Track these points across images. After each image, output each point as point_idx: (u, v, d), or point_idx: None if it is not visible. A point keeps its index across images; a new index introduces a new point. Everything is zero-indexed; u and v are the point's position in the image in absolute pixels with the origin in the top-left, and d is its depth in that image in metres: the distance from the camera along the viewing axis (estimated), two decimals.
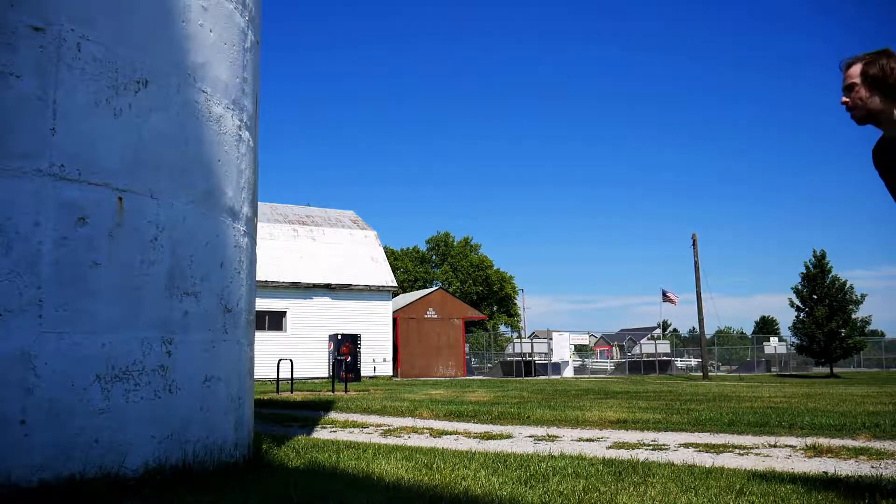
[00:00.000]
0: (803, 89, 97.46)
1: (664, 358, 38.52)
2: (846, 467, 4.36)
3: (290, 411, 9.69)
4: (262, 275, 25.02)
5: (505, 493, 3.23)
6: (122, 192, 3.48)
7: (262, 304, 24.62)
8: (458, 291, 53.87)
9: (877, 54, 2.92)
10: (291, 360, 16.93)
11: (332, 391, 15.55)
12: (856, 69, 2.94)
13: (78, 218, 3.28)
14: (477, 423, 7.85)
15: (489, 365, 39.79)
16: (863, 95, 2.92)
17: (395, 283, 29.79)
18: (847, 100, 2.96)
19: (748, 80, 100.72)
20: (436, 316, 32.69)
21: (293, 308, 27.15)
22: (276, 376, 16.66)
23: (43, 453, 3.06)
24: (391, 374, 29.06)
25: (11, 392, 3.02)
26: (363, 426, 7.64)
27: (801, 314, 34.93)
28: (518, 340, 38.00)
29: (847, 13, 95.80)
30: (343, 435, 6.72)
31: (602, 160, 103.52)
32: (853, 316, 34.00)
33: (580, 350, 46.32)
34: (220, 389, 4.01)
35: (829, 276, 34.60)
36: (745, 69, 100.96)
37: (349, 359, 24.35)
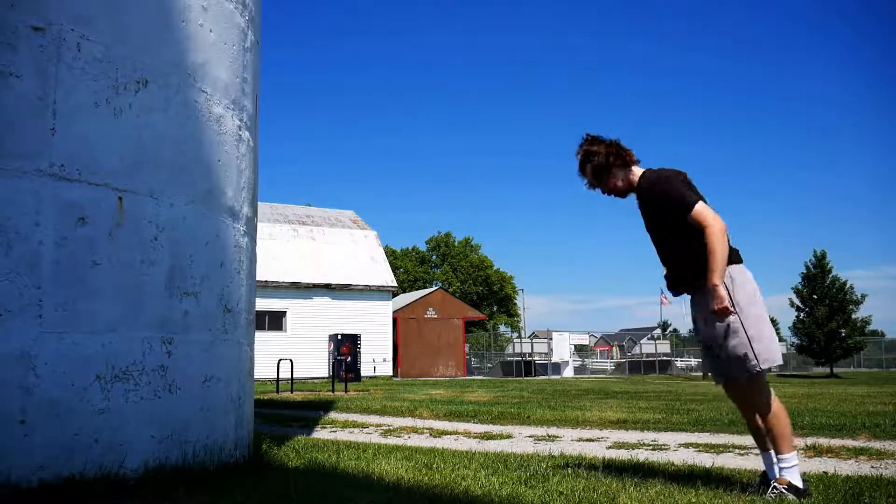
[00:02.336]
0: (804, 88, 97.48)
1: (664, 358, 38.51)
2: (846, 467, 4.36)
3: (290, 411, 9.69)
4: (262, 275, 25.02)
5: (505, 493, 3.23)
6: (122, 192, 3.48)
7: (262, 304, 24.62)
8: (458, 291, 53.86)
9: (593, 150, 3.55)
10: (291, 360, 16.92)
11: (332, 391, 15.55)
12: (591, 169, 3.56)
13: (78, 218, 3.28)
14: (477, 423, 7.85)
15: (489, 365, 39.78)
16: (617, 183, 3.55)
17: (395, 283, 29.78)
18: (607, 191, 3.60)
19: (749, 78, 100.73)
20: (436, 316, 32.69)
21: (293, 308, 27.13)
22: (276, 376, 16.66)
23: (43, 453, 3.06)
24: (391, 374, 29.05)
25: (11, 392, 3.02)
26: (363, 426, 7.64)
27: (802, 314, 34.92)
28: (518, 340, 37.99)
29: (850, 10, 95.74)
30: (343, 435, 6.72)
31: None
32: (853, 316, 33.98)
33: (580, 350, 46.31)
34: (220, 389, 4.01)
35: (830, 276, 34.59)
36: (746, 67, 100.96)
37: (349, 359, 24.33)
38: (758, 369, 3.18)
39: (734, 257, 3.31)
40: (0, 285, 3.02)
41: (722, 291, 3.16)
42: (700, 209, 3.24)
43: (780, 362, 3.31)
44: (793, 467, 3.16)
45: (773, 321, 72.43)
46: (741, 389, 3.32)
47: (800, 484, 3.14)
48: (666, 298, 37.73)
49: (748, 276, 3.32)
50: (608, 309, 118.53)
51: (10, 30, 3.17)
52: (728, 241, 3.27)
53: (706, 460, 4.65)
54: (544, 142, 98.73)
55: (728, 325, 3.21)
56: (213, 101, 4.08)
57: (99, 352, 3.30)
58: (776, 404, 3.25)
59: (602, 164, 3.52)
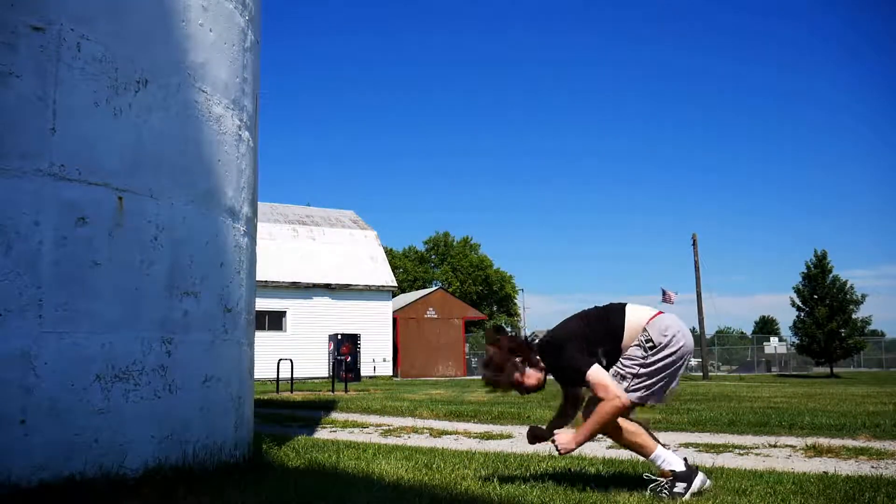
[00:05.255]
0: (804, 87, 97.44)
1: None
2: (846, 467, 4.36)
3: (290, 411, 9.69)
4: (262, 275, 25.02)
5: (505, 493, 3.23)
6: (122, 192, 3.48)
7: (262, 304, 24.61)
8: (457, 291, 53.85)
9: (493, 363, 3.45)
10: (291, 360, 16.92)
11: (332, 391, 15.55)
12: (503, 378, 3.43)
13: (78, 218, 3.28)
14: (477, 423, 7.85)
15: None
16: (525, 381, 3.45)
17: (395, 283, 29.78)
18: (523, 392, 3.52)
19: (749, 78, 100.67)
20: (436, 316, 32.69)
21: (293, 308, 27.14)
22: (276, 376, 16.66)
23: (43, 453, 3.07)
24: (391, 374, 29.06)
25: (11, 392, 3.02)
26: (363, 426, 7.64)
27: (802, 314, 34.94)
28: None
29: (849, 8, 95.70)
30: (343, 435, 6.72)
31: (601, 159, 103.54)
32: (853, 316, 34.01)
33: None
34: (220, 389, 4.01)
35: (830, 275, 34.61)
36: (746, 67, 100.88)
37: (349, 359, 24.34)
38: None
39: None
40: (0, 285, 3.02)
41: None
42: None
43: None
44: None
45: (773, 321, 72.13)
46: None
47: None
48: (673, 295, 37.55)
49: None
50: None
51: (9, 30, 3.17)
52: None
53: (706, 460, 4.65)
54: (543, 142, 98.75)
55: None
56: (212, 100, 4.08)
57: (99, 352, 3.30)
58: None
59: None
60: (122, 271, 3.45)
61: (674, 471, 3.19)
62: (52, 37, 3.27)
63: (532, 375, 3.44)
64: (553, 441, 3.36)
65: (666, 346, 3.26)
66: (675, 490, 3.13)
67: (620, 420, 3.26)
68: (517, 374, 3.41)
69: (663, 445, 3.30)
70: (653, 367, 3.25)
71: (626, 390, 3.23)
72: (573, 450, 3.31)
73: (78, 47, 3.35)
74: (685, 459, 3.28)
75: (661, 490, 3.16)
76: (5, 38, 3.16)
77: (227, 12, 4.28)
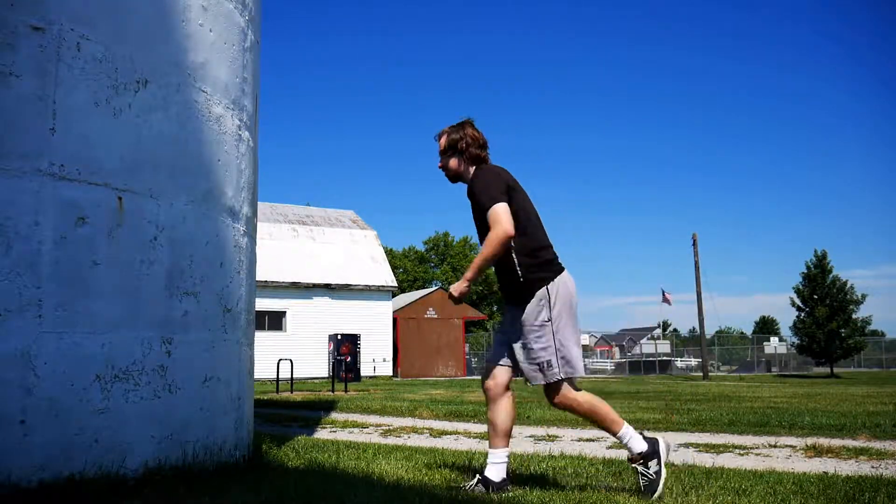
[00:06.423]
0: (805, 87, 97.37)
1: (664, 358, 38.53)
2: (846, 467, 4.36)
3: (290, 411, 9.69)
4: (262, 275, 25.01)
5: (505, 493, 3.23)
6: (122, 192, 3.48)
7: (262, 304, 24.61)
8: None
9: (455, 127, 3.63)
10: (291, 360, 16.93)
11: (332, 391, 15.55)
12: (443, 140, 3.65)
13: (78, 218, 3.28)
14: (477, 423, 7.85)
15: None
16: (449, 162, 3.63)
17: (395, 283, 29.78)
18: (440, 165, 3.68)
19: (749, 77, 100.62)
20: (436, 316, 32.68)
21: (293, 308, 27.14)
22: (276, 376, 16.66)
23: (43, 453, 3.06)
24: (391, 374, 29.06)
25: (11, 392, 3.02)
26: (363, 426, 7.64)
27: (802, 314, 34.94)
28: None
29: (849, 8, 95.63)
30: (343, 435, 6.72)
31: (601, 158, 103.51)
32: (854, 316, 34.00)
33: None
34: (219, 389, 4.01)
35: (830, 276, 34.60)
36: (746, 66, 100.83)
37: (349, 359, 24.33)
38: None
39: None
40: (0, 285, 3.02)
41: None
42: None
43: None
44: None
45: (773, 321, 72.28)
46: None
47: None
48: (670, 297, 37.67)
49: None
50: (608, 309, 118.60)
51: (9, 30, 3.16)
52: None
53: (706, 460, 4.66)
54: (543, 141, 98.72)
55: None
56: (213, 100, 4.08)
57: (99, 352, 3.30)
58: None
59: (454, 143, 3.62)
60: (122, 271, 3.45)
61: (641, 452, 3.26)
62: (52, 37, 3.27)
63: (459, 167, 3.61)
64: (448, 292, 3.49)
65: (557, 299, 3.38)
66: (653, 470, 3.20)
67: (594, 399, 3.34)
68: (455, 157, 3.61)
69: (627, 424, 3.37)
70: (560, 336, 3.32)
71: (556, 375, 3.31)
72: (466, 290, 3.39)
73: (78, 47, 3.35)
74: (642, 434, 3.35)
75: (646, 481, 3.20)
76: (5, 38, 3.16)
77: (227, 12, 4.28)
